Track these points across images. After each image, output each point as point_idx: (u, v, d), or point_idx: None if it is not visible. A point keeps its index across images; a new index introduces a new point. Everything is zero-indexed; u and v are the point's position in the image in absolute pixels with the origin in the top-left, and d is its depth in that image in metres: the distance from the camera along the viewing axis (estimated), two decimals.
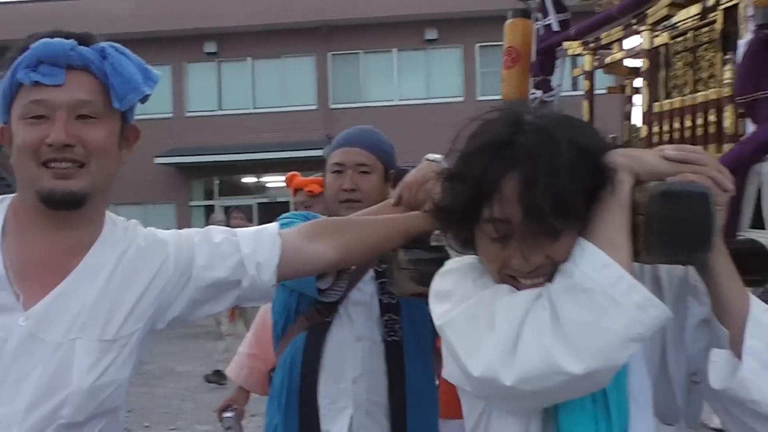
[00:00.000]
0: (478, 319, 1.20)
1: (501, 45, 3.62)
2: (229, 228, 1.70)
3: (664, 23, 2.73)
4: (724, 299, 1.23)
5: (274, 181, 21.14)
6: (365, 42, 20.36)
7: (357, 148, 2.38)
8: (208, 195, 21.01)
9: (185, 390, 8.10)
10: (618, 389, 1.21)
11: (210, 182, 20.94)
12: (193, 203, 20.77)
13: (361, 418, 2.27)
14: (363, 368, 2.26)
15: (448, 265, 1.39)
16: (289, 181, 4.85)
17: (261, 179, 21.10)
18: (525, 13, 3.59)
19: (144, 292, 1.52)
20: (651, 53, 2.67)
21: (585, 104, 3.17)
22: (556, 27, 3.32)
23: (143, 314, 1.52)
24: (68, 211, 1.45)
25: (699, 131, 2.38)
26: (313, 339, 2.28)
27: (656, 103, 2.65)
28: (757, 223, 2.04)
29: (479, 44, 19.93)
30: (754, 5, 2.07)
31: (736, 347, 1.19)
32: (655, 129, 2.62)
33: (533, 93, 3.46)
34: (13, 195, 1.51)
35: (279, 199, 20.72)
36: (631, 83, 3.46)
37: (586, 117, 3.09)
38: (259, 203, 20.55)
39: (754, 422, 1.18)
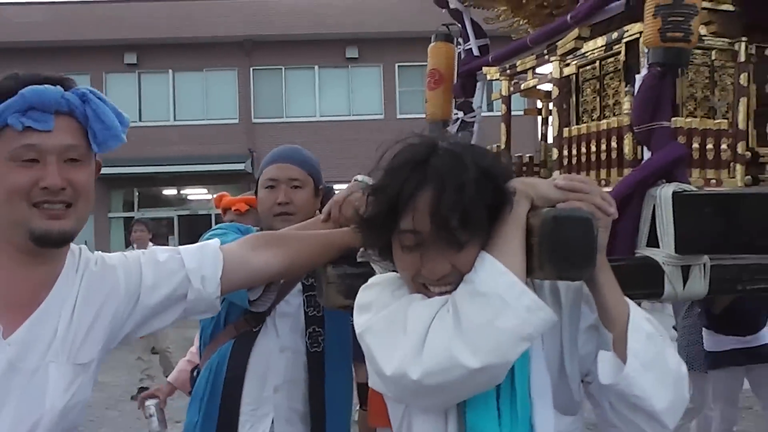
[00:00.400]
0: (393, 325, 1.31)
1: (419, 65, 3.76)
2: (171, 247, 1.77)
3: (573, 53, 2.85)
4: (607, 307, 1.37)
5: (195, 193, 20.87)
6: (288, 58, 20.40)
7: (289, 164, 2.47)
8: (128, 206, 20.58)
9: (109, 399, 8.03)
10: (522, 385, 1.34)
11: (130, 194, 20.54)
12: (112, 215, 20.30)
13: (282, 424, 2.35)
14: (285, 377, 2.34)
15: (371, 280, 1.50)
16: (218, 201, 4.90)
17: (182, 191, 20.80)
18: (448, 37, 3.61)
19: (99, 316, 1.58)
20: (561, 81, 2.80)
21: (502, 127, 3.25)
22: (476, 51, 3.37)
23: (101, 336, 1.59)
24: (52, 249, 1.51)
25: (603, 156, 2.51)
26: (240, 347, 2.35)
27: (566, 128, 2.76)
28: (653, 242, 2.19)
29: (398, 64, 20.25)
30: (645, 45, 2.22)
31: (618, 349, 1.34)
32: (565, 153, 2.73)
33: (455, 114, 3.52)
34: None
35: (200, 212, 20.47)
36: (547, 106, 3.58)
37: (503, 139, 3.17)
38: (179, 215, 20.25)
39: (634, 416, 1.33)
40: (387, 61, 20.27)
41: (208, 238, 2.13)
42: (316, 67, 20.62)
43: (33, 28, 19.36)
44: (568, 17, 2.71)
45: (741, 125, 2.49)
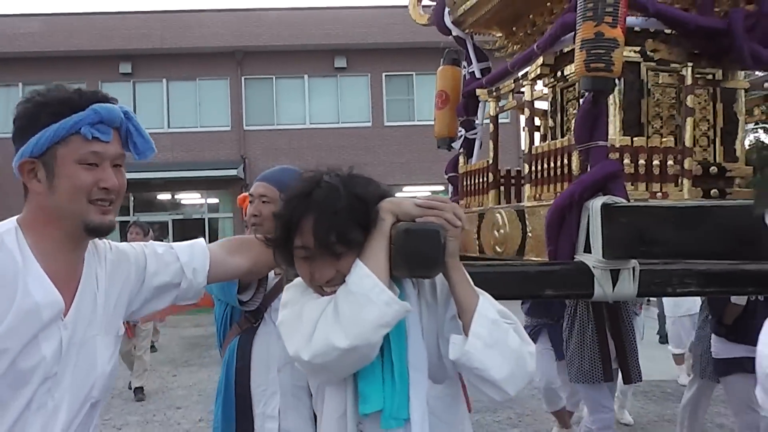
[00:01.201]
0: (296, 318, 1.68)
1: (406, 74, 3.95)
2: (165, 243, 2.09)
3: (554, 76, 3.02)
4: (459, 300, 1.71)
5: (189, 198, 20.99)
6: (278, 67, 20.61)
7: (263, 183, 2.86)
8: (124, 210, 20.68)
9: None
10: (400, 360, 1.69)
11: (126, 198, 20.48)
12: None
13: (288, 399, 2.72)
14: (285, 359, 2.63)
15: (290, 283, 1.86)
16: (241, 201, 5.18)
17: (176, 196, 20.92)
18: (455, 61, 3.78)
19: (120, 294, 1.89)
20: (530, 104, 2.99)
21: (491, 144, 3.37)
22: (478, 74, 3.53)
23: (122, 312, 1.90)
24: (96, 237, 1.81)
25: (556, 171, 2.71)
26: (244, 341, 2.77)
27: (534, 146, 2.95)
28: (588, 249, 2.43)
29: (385, 73, 20.45)
30: (576, 75, 2.45)
31: (466, 332, 1.69)
32: (534, 168, 2.89)
33: (460, 131, 3.68)
34: (11, 224, 1.75)
35: (194, 216, 20.63)
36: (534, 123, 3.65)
37: (491, 155, 3.32)
38: (173, 219, 20.38)
39: (481, 384, 1.68)
40: (374, 71, 20.47)
41: None
42: (306, 76, 20.82)
43: (31, 38, 19.49)
44: (535, 46, 2.93)
45: (687, 143, 2.71)
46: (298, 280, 1.79)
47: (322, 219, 1.63)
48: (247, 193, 2.97)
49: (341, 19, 19.84)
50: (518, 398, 7.32)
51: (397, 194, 1.82)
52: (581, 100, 2.55)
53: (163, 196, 20.88)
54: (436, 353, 1.78)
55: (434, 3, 3.65)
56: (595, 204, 2.41)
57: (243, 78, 20.73)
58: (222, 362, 2.83)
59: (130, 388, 8.02)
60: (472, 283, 1.74)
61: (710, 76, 2.87)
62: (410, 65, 19.66)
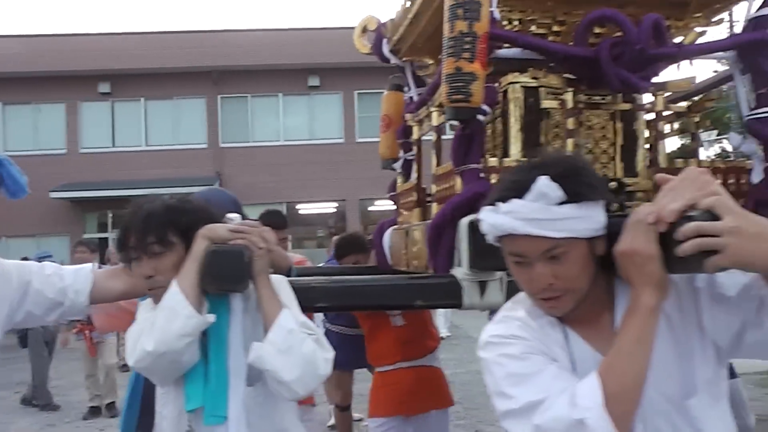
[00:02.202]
0: (133, 331, 1.92)
1: (377, 92, 4.04)
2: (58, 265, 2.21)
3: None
4: (264, 312, 1.89)
5: None
6: (253, 86, 20.69)
7: None
8: (102, 228, 20.63)
9: (62, 416, 7.97)
10: (220, 364, 1.89)
11: (104, 215, 20.57)
12: (86, 236, 20.30)
13: None
14: None
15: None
16: None
17: None
18: (398, 87, 3.92)
19: (1, 308, 2.01)
20: (437, 128, 3.09)
21: (415, 166, 3.50)
22: (415, 98, 3.62)
23: (2, 320, 2.02)
24: None
25: (447, 192, 2.83)
26: None
27: (437, 168, 3.05)
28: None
29: (357, 91, 20.60)
30: (444, 105, 2.56)
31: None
32: (437, 188, 3.00)
33: (400, 153, 3.80)
34: None
35: None
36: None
37: (415, 176, 3.45)
38: None
39: (275, 384, 1.85)
40: (347, 89, 20.61)
41: None
42: (280, 94, 20.92)
43: (11, 60, 19.44)
44: (437, 75, 3.04)
45: None
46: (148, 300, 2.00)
47: (143, 224, 1.89)
48: None
49: (314, 40, 19.96)
50: (468, 395, 7.45)
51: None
52: (457, 127, 2.68)
53: None
54: None
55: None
56: (464, 221, 2.53)
57: (219, 97, 20.79)
58: (129, 378, 2.86)
59: (97, 409, 7.75)
60: (285, 297, 1.96)
61: (604, 99, 2.98)
62: (381, 83, 19.22)
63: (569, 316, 1.47)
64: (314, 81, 20.64)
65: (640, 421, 1.38)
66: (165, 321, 1.81)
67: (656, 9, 2.92)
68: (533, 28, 2.95)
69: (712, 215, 1.22)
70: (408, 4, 3.23)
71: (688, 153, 3.26)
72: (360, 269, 4.18)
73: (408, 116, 3.54)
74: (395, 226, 3.68)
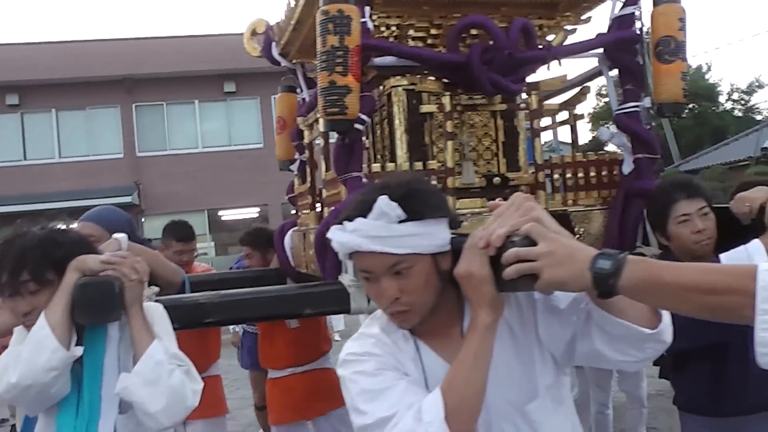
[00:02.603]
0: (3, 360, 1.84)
1: None
2: None
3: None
4: (134, 343, 1.87)
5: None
6: (168, 94, 20.26)
7: (88, 222, 2.91)
8: None
9: None
10: (92, 394, 1.85)
11: None
12: None
13: None
14: None
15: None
16: None
17: (71, 226, 20.18)
18: (291, 88, 3.88)
19: None
20: (324, 134, 3.10)
21: (307, 168, 3.47)
22: (308, 100, 3.58)
23: None
24: None
25: (335, 197, 2.85)
26: None
27: (327, 173, 3.06)
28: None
29: (274, 96, 20.25)
30: (321, 118, 2.59)
31: None
32: (326, 193, 3.05)
33: (296, 155, 3.74)
34: None
35: None
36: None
37: (309, 179, 3.41)
38: None
39: (141, 415, 1.83)
40: (263, 94, 20.32)
41: None
42: (196, 101, 20.56)
43: None
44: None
45: (449, 163, 2.86)
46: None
47: (17, 261, 1.82)
48: None
49: (229, 46, 19.64)
50: None
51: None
52: (337, 137, 2.70)
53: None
54: None
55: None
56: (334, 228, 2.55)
57: (134, 105, 20.27)
58: None
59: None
60: (153, 327, 1.92)
61: (483, 100, 3.05)
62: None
63: (421, 329, 1.53)
64: (230, 87, 20.37)
65: (485, 425, 1.46)
66: (30, 354, 1.77)
67: (528, 9, 3.02)
68: (411, 32, 2.98)
69: (529, 240, 1.31)
70: (290, 9, 3.22)
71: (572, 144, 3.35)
72: (259, 274, 4.14)
73: (299, 120, 3.52)
74: (295, 228, 3.66)
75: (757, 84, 31.27)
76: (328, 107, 2.50)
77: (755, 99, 32.30)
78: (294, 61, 3.67)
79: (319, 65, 2.50)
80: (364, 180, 2.66)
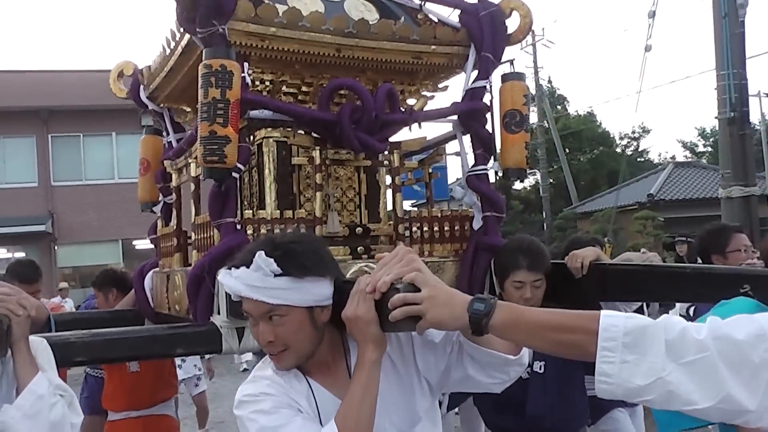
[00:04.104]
0: None
1: None
2: None
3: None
4: (18, 377, 1.80)
5: None
6: (86, 126, 19.70)
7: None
8: None
9: None
10: None
11: None
12: None
13: None
14: None
15: None
16: None
17: None
18: (156, 131, 3.80)
19: None
20: (196, 179, 3.08)
21: (174, 211, 3.41)
22: (174, 144, 3.51)
23: None
24: None
25: (206, 241, 2.85)
26: None
27: (197, 217, 3.03)
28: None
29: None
30: (200, 165, 2.61)
31: None
32: (197, 236, 3.00)
33: (160, 197, 3.64)
34: None
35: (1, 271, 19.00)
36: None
37: (175, 221, 3.37)
38: None
39: None
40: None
41: None
42: (114, 133, 20.06)
43: None
44: (194, 129, 3.03)
45: (318, 213, 2.91)
46: None
47: None
48: None
49: None
50: None
51: None
52: (213, 184, 2.71)
53: None
54: None
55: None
56: (222, 273, 2.54)
57: (49, 135, 19.60)
58: None
59: None
60: (37, 361, 1.85)
61: (349, 155, 3.13)
62: None
63: (309, 368, 1.63)
64: (148, 120, 19.77)
65: None
66: None
67: (391, 75, 3.12)
68: (284, 88, 3.04)
69: (413, 287, 1.46)
70: (164, 57, 3.19)
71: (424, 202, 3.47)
72: (115, 315, 3.91)
73: (167, 163, 3.46)
74: (156, 269, 3.58)
75: (641, 129, 33.10)
76: (209, 155, 2.50)
77: (643, 144, 34.21)
78: (162, 105, 3.60)
79: (200, 116, 2.51)
80: (238, 226, 2.68)
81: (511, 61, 3.12)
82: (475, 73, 3.12)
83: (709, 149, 34.03)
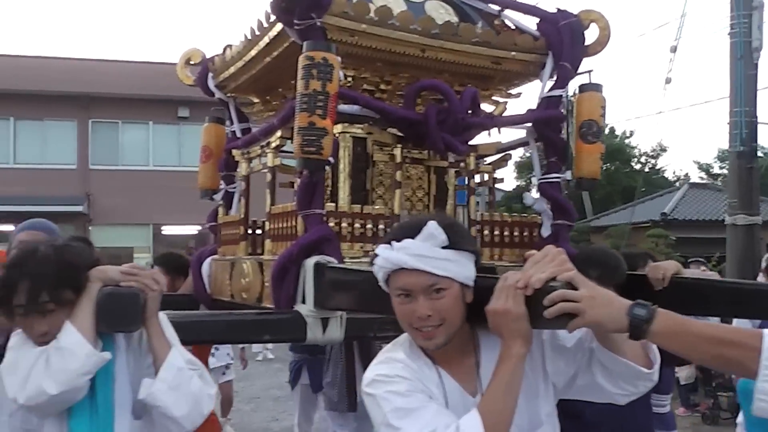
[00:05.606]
0: (15, 364, 1.73)
1: None
2: None
3: (282, 148, 3.07)
4: (154, 350, 1.79)
5: None
6: (124, 113, 19.69)
7: (31, 230, 2.69)
8: None
9: None
10: (106, 400, 1.76)
11: None
12: None
13: None
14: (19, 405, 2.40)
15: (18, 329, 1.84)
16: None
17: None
18: (219, 120, 3.69)
19: None
20: (272, 169, 3.01)
21: (242, 200, 3.31)
22: (238, 133, 3.46)
23: None
24: None
25: (288, 231, 2.76)
26: None
27: (273, 207, 2.96)
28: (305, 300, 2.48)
29: None
30: (294, 156, 2.52)
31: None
32: (272, 225, 2.91)
33: (221, 184, 3.57)
34: None
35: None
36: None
37: (242, 210, 3.26)
38: None
39: (163, 420, 1.77)
40: None
41: None
42: (151, 122, 20.04)
43: None
44: (275, 120, 2.96)
45: (396, 210, 2.82)
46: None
47: (34, 282, 1.70)
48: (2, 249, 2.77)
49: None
50: None
51: None
52: (304, 175, 2.63)
53: (5, 228, 19.16)
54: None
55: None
56: (309, 262, 2.48)
57: (90, 121, 19.61)
58: None
59: None
60: (169, 335, 1.85)
61: (421, 155, 3.05)
62: None
63: (441, 358, 1.57)
64: (184, 112, 19.87)
65: None
66: (63, 361, 1.66)
67: (467, 78, 3.04)
68: (364, 85, 2.97)
69: (570, 286, 1.42)
70: (244, 46, 3.11)
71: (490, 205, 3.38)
72: (170, 299, 3.85)
73: (236, 152, 3.38)
74: (215, 257, 3.49)
75: (660, 148, 32.73)
76: (306, 146, 2.43)
77: (660, 162, 33.84)
78: (228, 95, 3.54)
79: (299, 106, 2.43)
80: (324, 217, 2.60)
81: (590, 72, 3.02)
82: (551, 81, 3.02)
83: (725, 171, 33.65)
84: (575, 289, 1.41)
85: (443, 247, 1.49)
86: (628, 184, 27.08)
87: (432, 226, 1.49)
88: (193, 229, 20.31)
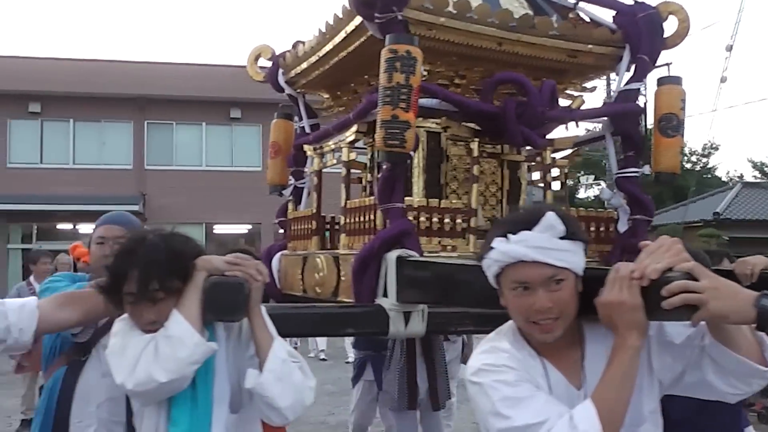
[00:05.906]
0: (122, 350, 1.75)
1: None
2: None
3: (355, 143, 3.07)
4: (258, 341, 1.80)
5: (90, 229, 19.94)
6: (178, 115, 20.05)
7: (112, 225, 2.65)
8: (26, 239, 19.46)
9: None
10: (206, 392, 1.77)
11: (29, 227, 19.45)
12: (10, 246, 19.17)
13: None
14: (107, 395, 2.44)
15: (122, 315, 1.87)
16: (72, 250, 4.75)
17: (76, 227, 19.84)
18: (287, 116, 3.70)
19: None
20: (347, 164, 3.00)
21: (314, 195, 3.31)
22: (307, 129, 3.46)
23: None
24: None
25: (366, 225, 2.74)
26: (70, 373, 2.49)
27: (349, 201, 2.95)
28: (386, 294, 2.46)
29: None
30: (376, 149, 2.51)
31: (262, 369, 1.77)
32: (348, 220, 2.90)
33: (290, 180, 3.57)
34: None
35: None
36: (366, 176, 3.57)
37: (314, 204, 3.26)
38: None
39: (267, 410, 1.76)
40: (265, 122, 20.07)
41: (46, 285, 2.46)
42: (204, 123, 20.36)
43: None
44: (351, 115, 2.95)
45: (473, 205, 2.79)
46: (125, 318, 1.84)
47: (145, 271, 1.71)
48: (78, 243, 2.81)
49: (237, 75, 19.60)
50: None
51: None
52: (385, 168, 2.61)
53: (63, 226, 19.71)
54: (238, 384, 1.84)
55: (270, 63, 3.57)
56: (391, 256, 2.46)
57: (146, 122, 20.03)
58: (45, 388, 2.56)
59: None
60: (270, 327, 1.84)
61: (495, 149, 3.00)
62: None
63: (546, 349, 1.53)
64: (236, 113, 20.17)
65: None
66: (172, 350, 1.67)
67: (542, 72, 2.98)
68: (439, 79, 2.93)
69: (690, 276, 1.36)
70: (317, 42, 3.11)
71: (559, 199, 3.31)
72: None
73: (307, 147, 3.38)
74: (285, 252, 3.49)
75: (711, 146, 31.87)
76: (389, 139, 2.41)
77: (712, 161, 32.97)
78: (298, 91, 3.53)
79: (382, 99, 2.41)
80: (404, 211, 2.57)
81: (668, 65, 2.93)
82: (628, 75, 2.94)
83: None
84: (695, 280, 1.36)
85: (560, 238, 1.46)
86: (679, 182, 26.42)
87: (551, 217, 1.46)
88: (243, 228, 20.66)
